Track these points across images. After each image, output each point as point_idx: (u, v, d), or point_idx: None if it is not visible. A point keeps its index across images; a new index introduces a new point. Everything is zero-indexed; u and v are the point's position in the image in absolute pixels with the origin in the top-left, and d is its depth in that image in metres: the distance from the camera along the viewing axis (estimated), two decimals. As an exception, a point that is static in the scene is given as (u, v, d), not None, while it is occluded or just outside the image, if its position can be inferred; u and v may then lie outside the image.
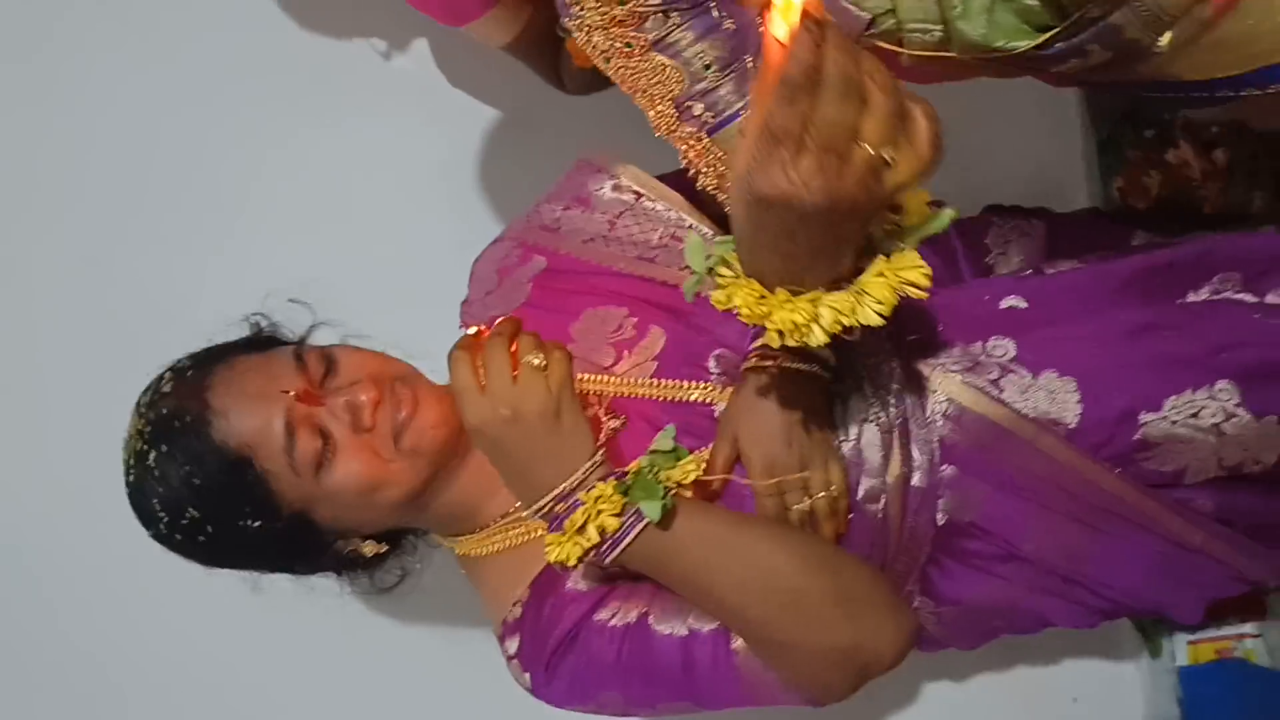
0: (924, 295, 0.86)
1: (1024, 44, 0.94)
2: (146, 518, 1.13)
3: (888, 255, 0.87)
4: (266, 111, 1.79)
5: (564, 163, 1.35)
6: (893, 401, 1.10)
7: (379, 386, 1.12)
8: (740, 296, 0.88)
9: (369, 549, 1.18)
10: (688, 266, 0.96)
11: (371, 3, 1.77)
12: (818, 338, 0.87)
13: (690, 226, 1.20)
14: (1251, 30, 0.95)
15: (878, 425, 1.10)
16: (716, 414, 1.13)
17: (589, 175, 1.26)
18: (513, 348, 1.05)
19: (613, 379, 1.18)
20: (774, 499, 1.07)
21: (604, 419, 1.16)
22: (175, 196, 1.77)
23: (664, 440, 1.11)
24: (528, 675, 1.13)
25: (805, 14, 0.71)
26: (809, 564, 1.04)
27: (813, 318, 0.86)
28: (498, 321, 1.09)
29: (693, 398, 1.15)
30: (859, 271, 0.88)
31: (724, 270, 0.91)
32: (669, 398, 1.16)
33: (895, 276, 0.86)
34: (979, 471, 1.10)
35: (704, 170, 1.04)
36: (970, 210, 1.31)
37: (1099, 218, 1.36)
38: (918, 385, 1.11)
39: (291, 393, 1.10)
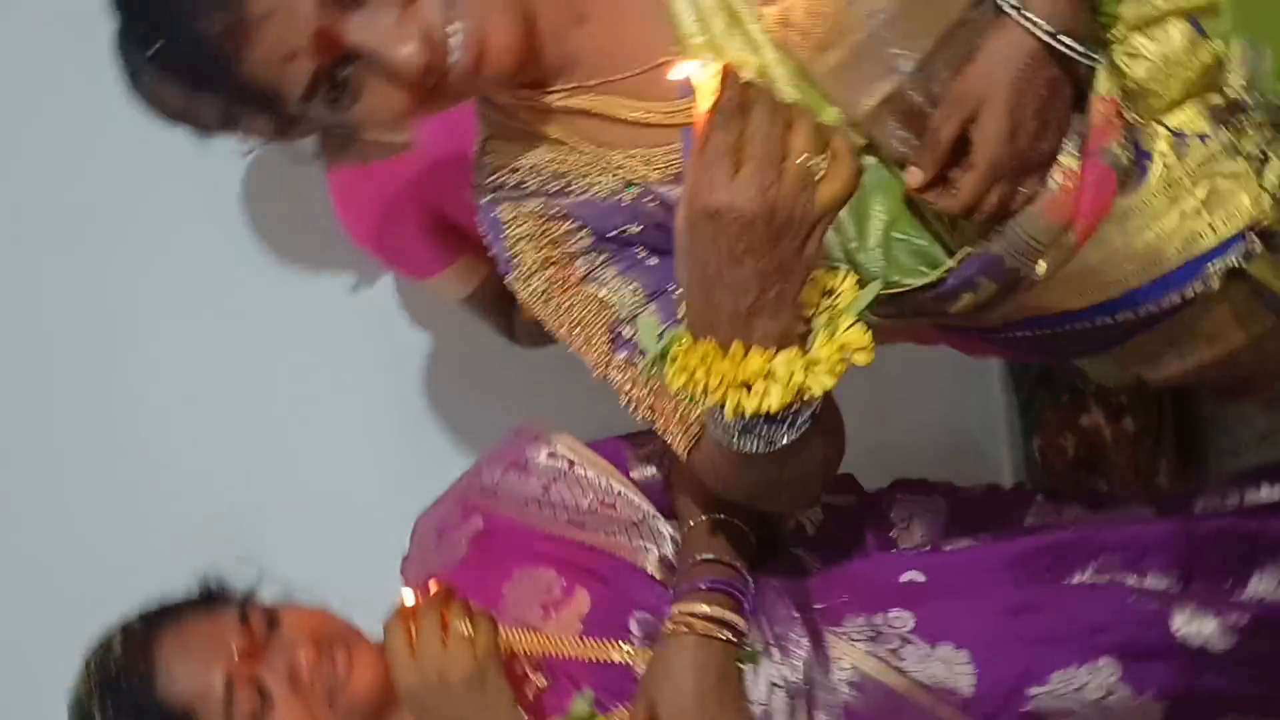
0: (869, 361, 0.88)
1: (919, 280, 1.03)
2: None
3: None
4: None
5: (510, 409, 1.45)
6: (800, 668, 1.18)
7: (318, 647, 1.20)
8: (696, 357, 0.88)
9: None
10: (642, 351, 0.98)
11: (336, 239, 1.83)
12: (775, 398, 0.87)
13: (619, 493, 1.29)
14: (1114, 255, 1.04)
15: (786, 691, 1.17)
16: (637, 675, 1.19)
17: (527, 441, 1.36)
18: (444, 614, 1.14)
19: (540, 638, 1.25)
20: None
21: (531, 677, 1.22)
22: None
23: (580, 705, 1.17)
24: None
25: (726, 69, 0.82)
26: None
27: (767, 373, 0.87)
28: (433, 591, 1.17)
29: (615, 658, 1.22)
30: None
31: (677, 346, 0.91)
32: (593, 658, 1.22)
33: (840, 347, 0.88)
34: (881, 736, 1.17)
35: (639, 399, 1.09)
36: (883, 480, 1.41)
37: (998, 495, 1.46)
38: (823, 653, 1.18)
39: (233, 652, 1.18)
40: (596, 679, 1.21)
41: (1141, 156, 1.04)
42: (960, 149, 0.98)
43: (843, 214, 0.94)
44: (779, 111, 0.83)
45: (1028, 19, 0.94)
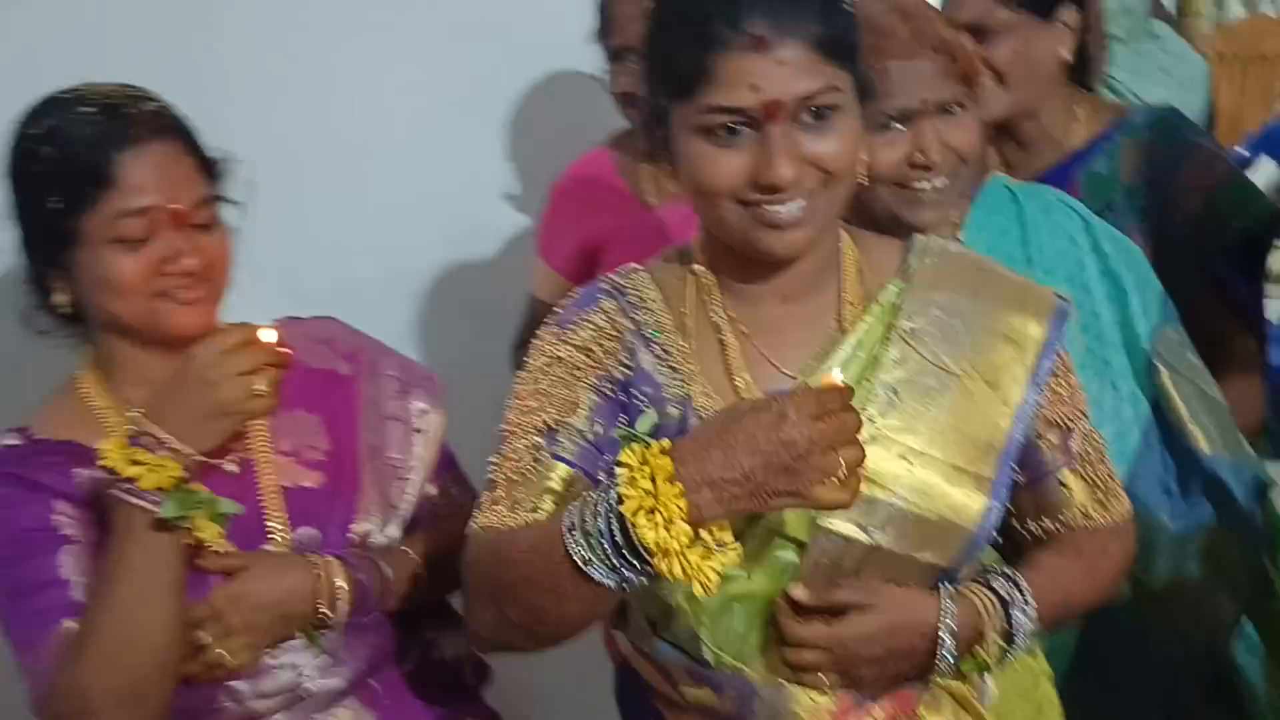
0: (700, 593, 1.05)
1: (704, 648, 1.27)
2: None
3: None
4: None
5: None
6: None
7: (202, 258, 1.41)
8: (654, 459, 1.04)
9: None
10: (628, 430, 1.19)
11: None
12: (651, 535, 1.02)
13: (409, 476, 1.55)
14: None
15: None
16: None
17: (421, 391, 1.59)
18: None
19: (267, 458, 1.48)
20: None
21: (230, 461, 1.43)
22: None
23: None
24: None
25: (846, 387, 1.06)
26: None
27: (669, 520, 1.02)
28: (273, 340, 1.37)
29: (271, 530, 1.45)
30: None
31: (655, 445, 1.06)
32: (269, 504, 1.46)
33: (699, 565, 1.04)
34: None
35: (503, 471, 1.28)
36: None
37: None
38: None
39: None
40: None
41: None
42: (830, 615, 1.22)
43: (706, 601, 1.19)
44: (856, 425, 1.05)
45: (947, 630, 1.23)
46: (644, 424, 1.21)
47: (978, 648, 1.25)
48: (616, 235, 2.00)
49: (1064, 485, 1.32)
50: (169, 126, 1.41)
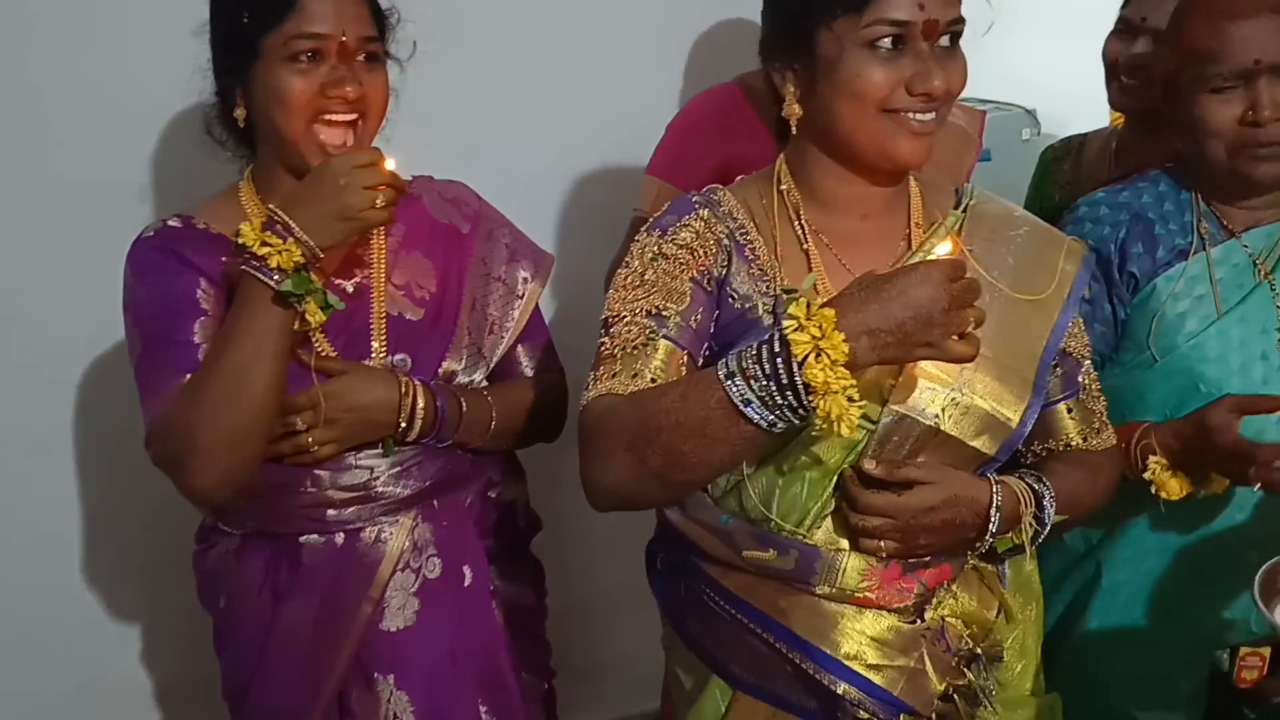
0: (837, 430, 1.19)
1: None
2: None
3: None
4: None
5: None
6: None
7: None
8: (817, 309, 1.19)
9: None
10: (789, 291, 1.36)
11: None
12: (819, 374, 1.17)
13: (508, 325, 1.75)
14: None
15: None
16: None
17: (532, 262, 1.78)
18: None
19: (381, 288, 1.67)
20: None
21: (345, 284, 1.65)
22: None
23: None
24: None
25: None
26: None
27: (843, 372, 1.17)
28: (390, 164, 1.52)
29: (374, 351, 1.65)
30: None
31: (816, 300, 1.21)
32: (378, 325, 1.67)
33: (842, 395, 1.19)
34: None
35: (615, 347, 1.39)
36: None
37: None
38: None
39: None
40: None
41: None
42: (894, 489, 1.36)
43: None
44: (977, 290, 1.24)
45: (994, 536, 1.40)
46: (807, 282, 1.34)
47: (1013, 530, 1.41)
48: (749, 161, 2.09)
49: (1067, 415, 1.53)
50: None
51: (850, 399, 1.18)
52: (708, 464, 1.27)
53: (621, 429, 1.30)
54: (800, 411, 1.19)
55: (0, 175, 2.06)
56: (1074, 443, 1.54)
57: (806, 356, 1.17)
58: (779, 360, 1.18)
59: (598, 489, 1.34)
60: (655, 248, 1.42)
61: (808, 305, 1.19)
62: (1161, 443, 1.64)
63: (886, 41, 1.32)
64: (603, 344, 1.40)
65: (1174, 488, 1.63)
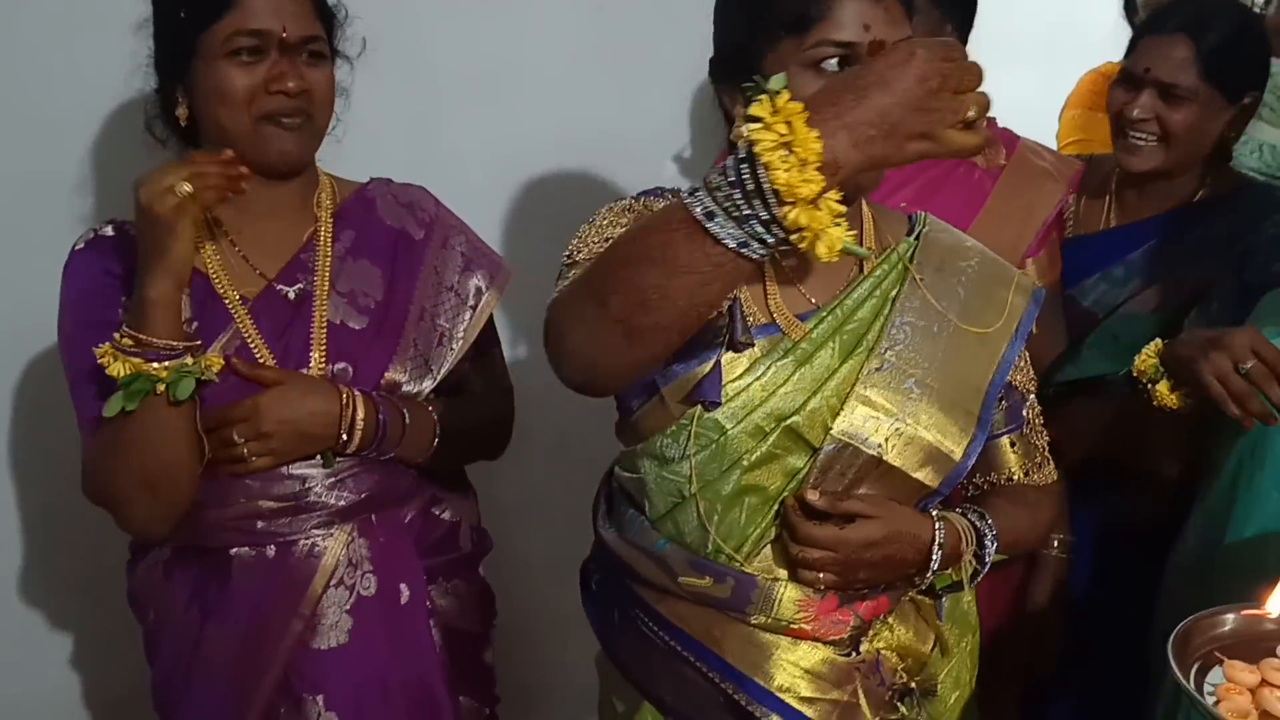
0: (819, 253, 1.03)
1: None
2: None
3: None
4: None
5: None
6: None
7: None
8: (783, 104, 1.02)
9: None
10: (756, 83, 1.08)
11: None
12: (784, 177, 1.00)
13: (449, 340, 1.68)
14: None
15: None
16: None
17: (487, 272, 1.73)
18: None
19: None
20: None
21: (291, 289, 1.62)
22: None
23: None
24: None
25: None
26: None
27: (815, 175, 1.01)
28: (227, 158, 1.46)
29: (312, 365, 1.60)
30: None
31: (785, 92, 1.04)
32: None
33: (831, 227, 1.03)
34: None
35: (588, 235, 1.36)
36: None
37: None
38: None
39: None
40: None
41: None
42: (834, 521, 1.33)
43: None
44: (979, 71, 1.06)
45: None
46: (776, 82, 1.07)
47: (953, 567, 1.41)
48: None
49: (1010, 449, 1.53)
50: None
51: (837, 222, 1.03)
52: (673, 303, 1.09)
53: (583, 279, 1.20)
54: (774, 228, 1.03)
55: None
56: (1015, 476, 1.53)
57: (773, 152, 1.01)
58: (743, 166, 1.02)
59: (562, 354, 1.21)
60: (621, 208, 1.40)
61: (773, 101, 1.02)
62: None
63: (833, 63, 1.28)
64: (567, 254, 1.36)
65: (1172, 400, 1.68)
